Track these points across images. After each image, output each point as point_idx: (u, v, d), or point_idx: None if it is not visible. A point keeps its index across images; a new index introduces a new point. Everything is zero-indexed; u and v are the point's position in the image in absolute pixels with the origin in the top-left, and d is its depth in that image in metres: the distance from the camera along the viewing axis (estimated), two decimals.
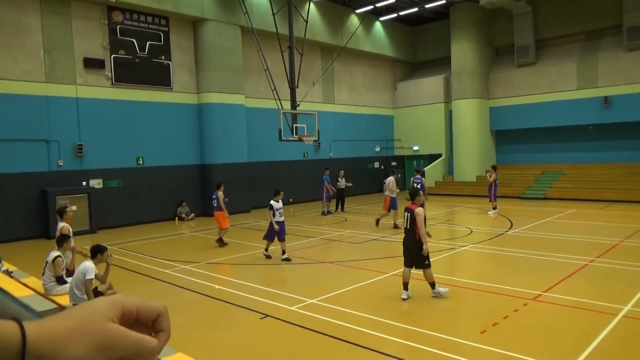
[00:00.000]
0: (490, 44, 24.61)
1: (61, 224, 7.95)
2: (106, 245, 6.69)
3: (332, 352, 5.58)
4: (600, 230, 13.06)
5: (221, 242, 12.39)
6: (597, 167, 21.28)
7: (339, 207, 18.50)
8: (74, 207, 14.04)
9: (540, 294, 7.22)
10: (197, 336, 6.20)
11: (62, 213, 8.17)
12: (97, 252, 6.42)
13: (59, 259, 6.99)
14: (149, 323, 0.63)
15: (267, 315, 6.76)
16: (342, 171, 19.01)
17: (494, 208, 16.56)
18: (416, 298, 7.62)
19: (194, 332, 6.30)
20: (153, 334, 0.63)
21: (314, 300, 7.36)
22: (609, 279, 8.19)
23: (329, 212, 18.06)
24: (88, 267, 6.19)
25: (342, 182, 18.55)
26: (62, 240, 7.17)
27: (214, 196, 12.52)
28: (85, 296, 6.13)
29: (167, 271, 9.70)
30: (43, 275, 6.98)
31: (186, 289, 8.37)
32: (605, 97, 20.64)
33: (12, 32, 14.17)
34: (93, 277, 6.19)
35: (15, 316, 0.56)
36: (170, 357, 4.38)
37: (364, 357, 5.39)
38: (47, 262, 6.99)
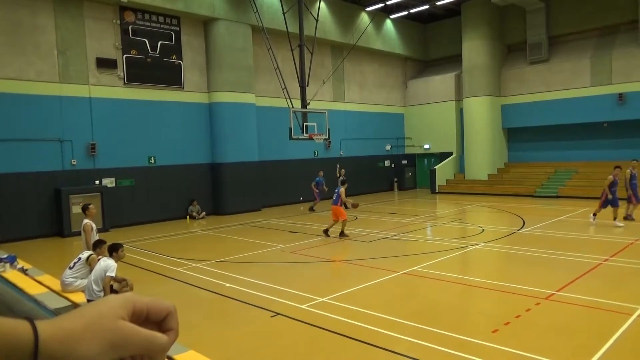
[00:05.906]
0: (502, 41, 24.38)
1: (85, 221, 8.33)
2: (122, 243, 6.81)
3: (342, 351, 5.58)
4: (614, 229, 12.89)
5: (342, 235, 12.79)
6: (611, 165, 20.86)
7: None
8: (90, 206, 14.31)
9: (553, 293, 7.15)
10: (208, 334, 6.24)
11: (85, 210, 8.53)
12: (113, 251, 6.55)
13: (94, 255, 7.16)
14: (159, 322, 0.64)
15: (277, 314, 6.78)
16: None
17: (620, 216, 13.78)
18: (426, 297, 7.59)
19: (205, 330, 6.34)
20: (162, 333, 0.64)
21: (324, 299, 7.36)
22: (623, 278, 8.08)
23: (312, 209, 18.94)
24: (110, 265, 6.35)
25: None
26: (98, 244, 7.32)
27: (335, 191, 13.13)
28: (102, 293, 6.24)
29: (179, 269, 9.78)
30: (70, 269, 7.12)
31: (197, 287, 8.43)
32: (620, 94, 20.35)
33: (27, 33, 14.36)
34: (114, 275, 6.32)
35: (29, 315, 0.56)
36: (182, 355, 4.42)
37: (375, 356, 5.38)
38: (79, 259, 7.19)
